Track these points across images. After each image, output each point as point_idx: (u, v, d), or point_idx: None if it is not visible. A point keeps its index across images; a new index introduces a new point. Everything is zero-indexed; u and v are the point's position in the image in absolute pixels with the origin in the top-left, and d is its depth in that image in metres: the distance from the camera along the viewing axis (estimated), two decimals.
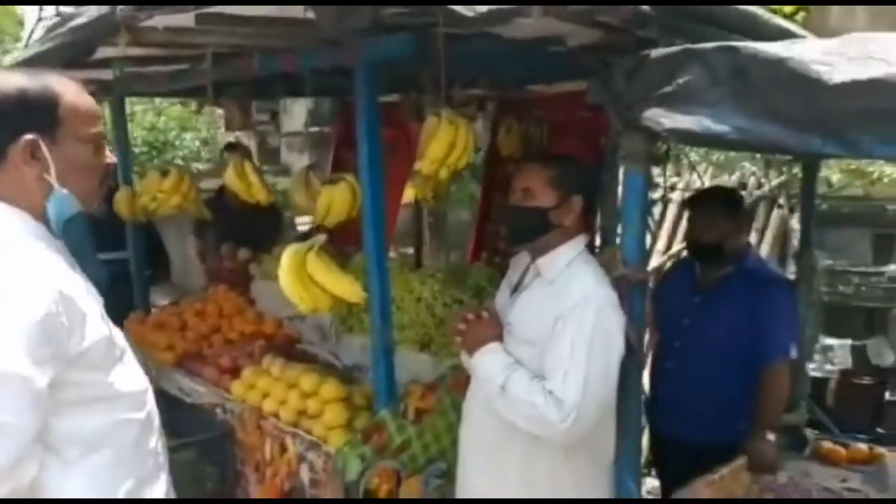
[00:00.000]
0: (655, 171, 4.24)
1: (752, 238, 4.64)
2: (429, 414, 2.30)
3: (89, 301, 1.45)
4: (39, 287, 1.34)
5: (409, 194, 3.44)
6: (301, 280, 1.82)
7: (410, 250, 4.36)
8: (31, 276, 1.35)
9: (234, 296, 3.36)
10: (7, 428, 1.28)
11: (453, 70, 1.85)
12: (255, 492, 2.42)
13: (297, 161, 7.34)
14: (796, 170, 4.69)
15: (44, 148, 1.43)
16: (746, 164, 5.20)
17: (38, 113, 1.43)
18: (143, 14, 1.57)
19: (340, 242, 3.27)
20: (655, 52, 1.68)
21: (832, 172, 4.87)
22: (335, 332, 2.92)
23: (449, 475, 2.30)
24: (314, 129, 7.24)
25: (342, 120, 4.24)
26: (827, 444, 2.58)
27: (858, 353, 4.34)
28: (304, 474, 2.19)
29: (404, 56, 1.87)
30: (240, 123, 3.74)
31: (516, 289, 1.96)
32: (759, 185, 4.99)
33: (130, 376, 1.54)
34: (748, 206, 4.60)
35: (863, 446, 2.55)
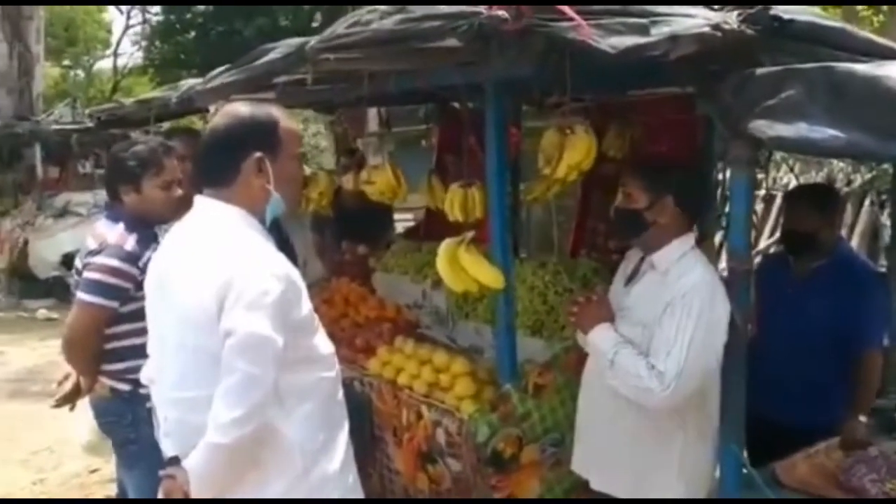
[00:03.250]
0: None
1: (843, 234, 4.73)
2: (545, 389, 2.60)
3: (300, 281, 1.84)
4: (275, 270, 1.73)
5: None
6: (454, 268, 2.18)
7: None
8: (267, 262, 1.75)
9: (356, 286, 3.75)
10: (257, 378, 1.67)
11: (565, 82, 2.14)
12: (395, 452, 2.79)
13: (373, 160, 7.80)
14: (886, 166, 4.76)
15: (267, 163, 1.81)
16: (835, 162, 5.27)
17: (263, 135, 1.82)
18: (329, 53, 1.94)
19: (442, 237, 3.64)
20: (760, 71, 1.93)
21: None
22: (452, 318, 3.27)
23: (562, 444, 2.61)
24: (397, 129, 7.65)
25: (444, 126, 4.56)
26: None
27: None
28: (441, 437, 2.54)
29: (530, 75, 2.18)
30: (356, 132, 4.15)
31: (630, 279, 2.24)
32: (848, 182, 5.07)
33: (325, 341, 1.92)
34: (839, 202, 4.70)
35: None
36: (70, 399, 2.71)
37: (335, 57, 2.06)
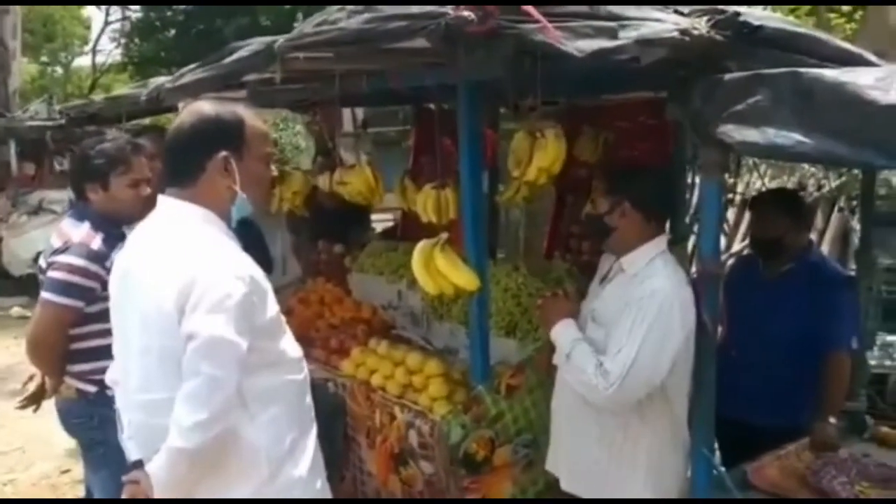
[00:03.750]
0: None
1: (813, 238, 4.79)
2: (518, 390, 2.61)
3: (266, 282, 1.81)
4: (238, 272, 1.71)
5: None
6: (429, 270, 2.17)
7: None
8: (231, 264, 1.73)
9: (331, 286, 3.73)
10: (220, 382, 1.65)
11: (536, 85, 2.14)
12: (367, 455, 2.78)
13: (350, 159, 7.83)
14: (856, 172, 4.83)
15: (233, 162, 1.79)
16: (806, 167, 5.34)
17: (229, 134, 1.80)
18: (298, 52, 1.93)
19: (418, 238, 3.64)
20: (728, 76, 1.94)
21: (892, 175, 4.98)
22: (427, 319, 3.26)
23: (534, 445, 2.61)
24: (374, 130, 7.62)
25: (420, 127, 4.55)
26: (885, 429, 2.76)
27: None
28: (413, 439, 2.53)
29: (501, 77, 2.18)
30: (331, 131, 4.12)
31: (602, 280, 2.26)
32: (819, 187, 5.13)
33: (292, 344, 1.90)
34: (807, 207, 4.76)
35: None
36: (35, 400, 2.67)
37: (303, 56, 2.05)
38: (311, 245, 4.34)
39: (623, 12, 1.75)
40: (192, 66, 2.57)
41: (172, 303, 1.68)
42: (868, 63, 2.32)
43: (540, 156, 2.11)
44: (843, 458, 2.37)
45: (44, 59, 25.02)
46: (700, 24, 1.90)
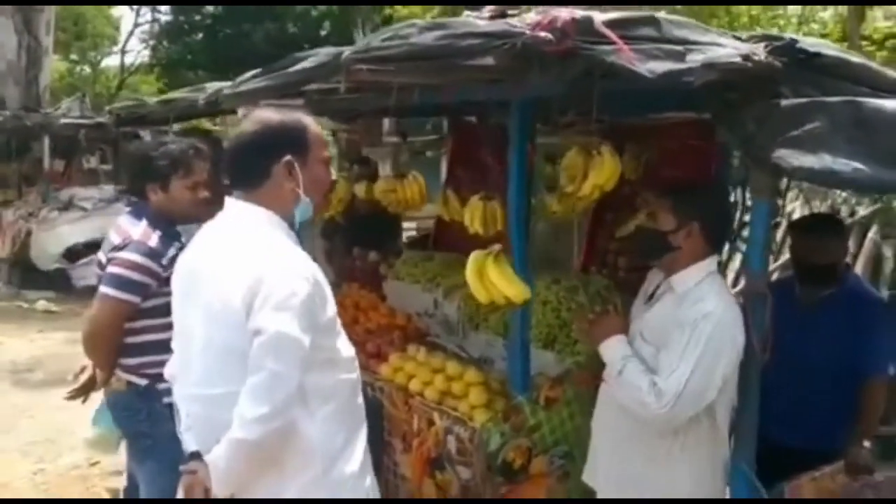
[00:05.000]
0: None
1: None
2: (556, 402, 2.64)
3: (326, 283, 1.87)
4: (303, 272, 1.77)
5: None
6: (481, 279, 2.22)
7: None
8: (296, 264, 1.79)
9: (366, 292, 3.79)
10: (283, 377, 1.71)
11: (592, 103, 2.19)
12: (402, 459, 2.82)
13: (381, 169, 7.94)
14: (885, 199, 4.84)
15: (297, 167, 1.86)
16: (837, 192, 5.34)
17: (294, 139, 1.88)
18: (365, 64, 1.99)
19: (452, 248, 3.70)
20: (784, 102, 1.98)
21: None
22: (463, 328, 3.31)
23: (569, 457, 2.65)
24: (412, 139, 7.71)
25: (457, 139, 4.61)
26: None
27: None
28: (452, 445, 2.57)
29: (557, 95, 2.23)
30: (371, 141, 4.20)
31: (650, 298, 2.29)
32: (852, 213, 5.14)
33: (347, 344, 1.96)
34: None
35: None
36: (84, 391, 2.74)
37: (369, 68, 2.11)
38: (345, 251, 4.41)
39: (687, 36, 1.80)
40: (250, 73, 2.64)
41: (240, 299, 1.74)
42: None
43: (596, 173, 2.16)
44: (880, 481, 2.39)
45: (73, 56, 25.42)
46: (759, 50, 1.95)
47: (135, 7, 22.92)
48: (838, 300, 2.82)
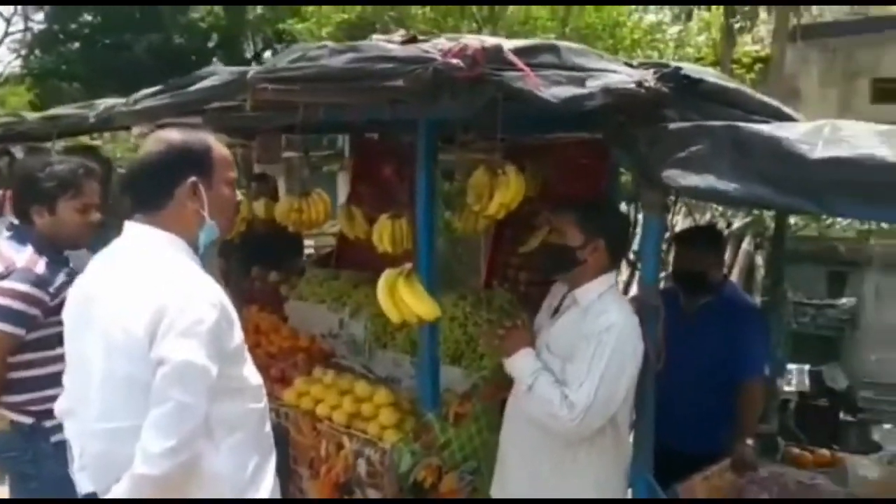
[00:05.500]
0: None
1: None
2: (465, 418, 2.67)
3: (233, 309, 1.82)
4: (210, 298, 1.71)
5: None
6: (393, 299, 2.22)
7: None
8: (201, 289, 1.73)
9: (266, 314, 3.69)
10: (190, 408, 1.64)
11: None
12: (308, 487, 2.76)
13: (281, 186, 7.80)
14: (757, 212, 5.24)
15: (201, 188, 1.81)
16: (714, 206, 5.74)
17: (198, 160, 1.82)
18: (273, 83, 1.97)
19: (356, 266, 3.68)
20: (673, 126, 2.13)
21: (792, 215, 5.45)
22: (369, 348, 3.29)
23: (478, 472, 2.68)
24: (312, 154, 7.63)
25: (358, 155, 4.60)
26: (795, 450, 3.02)
27: (815, 378, 4.86)
28: (361, 468, 2.55)
29: (462, 116, 2.29)
30: (270, 157, 4.11)
31: (556, 312, 2.37)
32: (728, 225, 5.54)
33: (254, 372, 1.91)
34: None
35: (826, 452, 2.99)
36: None
37: (275, 88, 2.09)
38: (242, 271, 4.28)
39: (584, 63, 1.90)
40: (148, 90, 2.54)
41: (143, 328, 1.66)
42: (786, 115, 2.58)
43: (502, 192, 2.22)
44: (764, 477, 2.58)
45: None
46: (649, 77, 2.08)
47: (6, 13, 21.40)
48: (716, 308, 3.02)
